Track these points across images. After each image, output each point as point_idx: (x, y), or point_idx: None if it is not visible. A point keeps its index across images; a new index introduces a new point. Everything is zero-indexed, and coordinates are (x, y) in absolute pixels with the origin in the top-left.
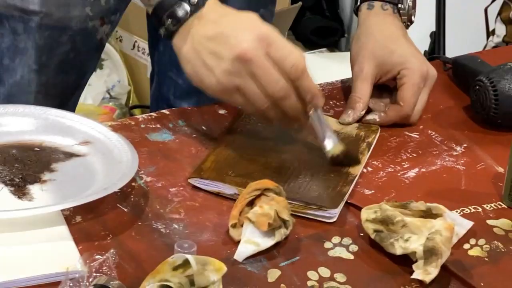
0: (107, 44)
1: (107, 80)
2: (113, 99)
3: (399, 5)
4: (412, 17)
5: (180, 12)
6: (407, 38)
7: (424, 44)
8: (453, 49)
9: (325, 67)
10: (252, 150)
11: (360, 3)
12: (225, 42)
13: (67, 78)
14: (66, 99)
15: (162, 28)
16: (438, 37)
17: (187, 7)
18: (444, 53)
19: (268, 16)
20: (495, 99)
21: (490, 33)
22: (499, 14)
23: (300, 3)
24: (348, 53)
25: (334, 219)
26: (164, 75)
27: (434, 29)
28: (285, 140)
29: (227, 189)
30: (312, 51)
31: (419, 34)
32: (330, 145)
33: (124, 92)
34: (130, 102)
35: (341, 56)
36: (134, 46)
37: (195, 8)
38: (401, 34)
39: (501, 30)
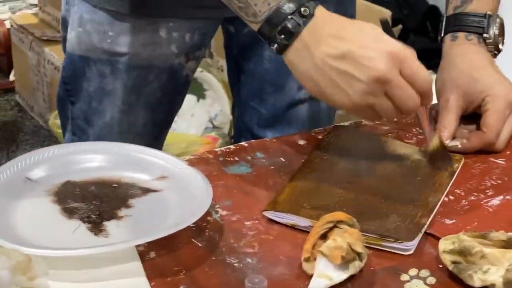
0: (208, 74)
1: (209, 110)
2: (216, 129)
3: (484, 35)
4: (500, 45)
5: (292, 26)
6: (493, 66)
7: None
8: None
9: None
10: (329, 181)
11: (444, 34)
12: (357, 62)
13: (156, 116)
14: (155, 137)
15: (273, 44)
16: None
17: (298, 19)
18: None
19: None
20: None
21: None
22: None
23: (400, 26)
24: None
25: (411, 252)
26: (246, 105)
27: None
28: (363, 171)
29: (302, 222)
30: None
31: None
32: (432, 137)
33: (227, 121)
34: (233, 131)
35: None
36: None
37: (307, 19)
38: (486, 63)
39: None
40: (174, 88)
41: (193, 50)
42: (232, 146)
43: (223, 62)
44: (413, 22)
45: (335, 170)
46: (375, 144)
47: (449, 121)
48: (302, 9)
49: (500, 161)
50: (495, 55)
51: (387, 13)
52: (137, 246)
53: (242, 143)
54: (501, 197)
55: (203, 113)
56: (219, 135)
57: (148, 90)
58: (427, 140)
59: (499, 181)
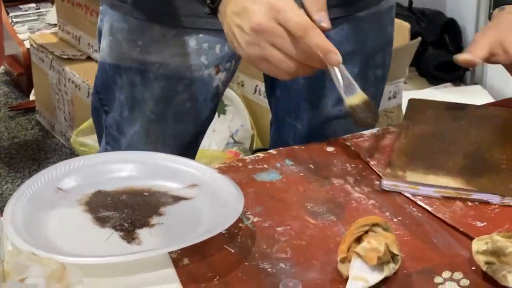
0: (229, 89)
1: (230, 125)
2: (237, 144)
3: None
4: None
5: None
6: None
7: None
8: None
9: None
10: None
11: (493, 9)
12: (245, 15)
13: (185, 127)
14: (185, 148)
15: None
16: None
17: None
18: None
19: (387, 59)
20: None
21: None
22: None
23: (419, 38)
24: (473, 86)
25: None
26: (283, 120)
27: None
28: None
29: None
30: (437, 86)
31: None
32: (347, 97)
33: (248, 136)
34: (254, 146)
35: (466, 90)
36: (255, 90)
37: None
38: None
39: None
40: (204, 99)
41: (224, 61)
42: (261, 154)
43: (243, 78)
44: (432, 35)
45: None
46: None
47: (476, 46)
48: None
49: None
50: None
51: (406, 26)
52: (170, 253)
53: (270, 150)
54: None
55: (224, 129)
56: (241, 150)
57: (177, 101)
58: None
59: None
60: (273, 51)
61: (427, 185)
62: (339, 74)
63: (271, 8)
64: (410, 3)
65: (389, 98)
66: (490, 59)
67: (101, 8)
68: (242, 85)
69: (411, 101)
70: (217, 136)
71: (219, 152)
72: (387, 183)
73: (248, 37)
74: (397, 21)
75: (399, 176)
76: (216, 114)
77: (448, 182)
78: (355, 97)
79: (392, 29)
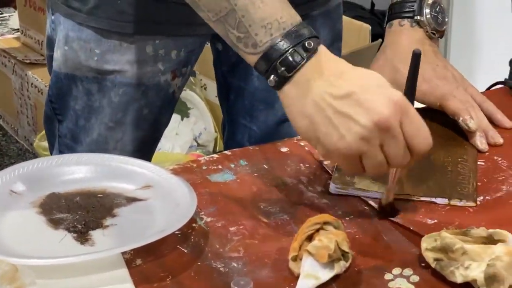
0: (192, 93)
1: (193, 128)
2: (201, 147)
3: (416, 17)
4: (439, 26)
5: (295, 58)
6: (423, 51)
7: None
8: None
9: None
10: None
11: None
12: (359, 104)
13: (142, 134)
14: (142, 154)
15: (272, 76)
16: None
17: (302, 52)
18: None
19: (336, 53)
20: None
21: None
22: None
23: (380, 40)
24: None
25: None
26: (237, 123)
27: None
28: None
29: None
30: None
31: (498, 62)
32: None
33: (211, 139)
34: (217, 148)
35: None
36: None
37: (310, 54)
38: (412, 48)
39: None
40: (161, 105)
41: (180, 67)
42: (215, 155)
43: (206, 81)
44: None
45: None
46: None
47: None
48: (306, 42)
49: (480, 162)
50: (433, 34)
51: (367, 28)
52: (123, 254)
53: (225, 151)
54: (481, 197)
55: (188, 132)
56: (204, 153)
57: (135, 107)
58: (386, 195)
59: (479, 183)
60: (379, 152)
61: (374, 192)
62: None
63: (398, 106)
64: (372, 5)
65: None
66: None
67: (52, 17)
68: (205, 88)
69: None
70: (180, 140)
71: (182, 155)
72: (334, 188)
73: (364, 131)
74: (358, 23)
75: (346, 181)
76: (180, 117)
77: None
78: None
79: (340, 25)
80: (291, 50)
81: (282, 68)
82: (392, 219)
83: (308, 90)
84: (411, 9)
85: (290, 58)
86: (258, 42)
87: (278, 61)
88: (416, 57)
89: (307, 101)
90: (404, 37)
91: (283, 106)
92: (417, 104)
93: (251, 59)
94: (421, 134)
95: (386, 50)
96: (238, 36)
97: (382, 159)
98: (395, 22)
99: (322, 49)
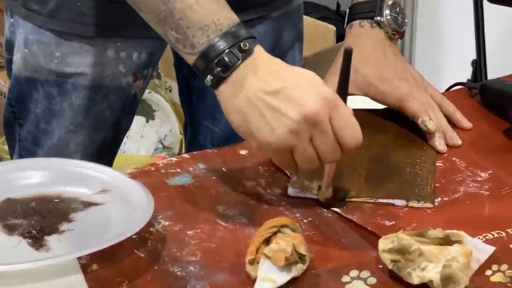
0: (157, 95)
1: (159, 130)
2: (166, 149)
3: (377, 18)
4: (399, 26)
5: (231, 59)
6: (378, 52)
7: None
8: (497, 76)
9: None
10: None
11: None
12: (289, 99)
13: (104, 136)
14: (104, 157)
15: (209, 76)
16: (479, 65)
17: (237, 53)
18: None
19: (298, 53)
20: None
21: None
22: None
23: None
24: None
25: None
26: (200, 124)
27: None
28: None
29: None
30: None
31: (462, 63)
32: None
33: (177, 141)
34: (183, 150)
35: None
36: None
37: (246, 55)
38: (371, 50)
39: None
40: (122, 107)
41: (141, 69)
42: (174, 158)
43: (171, 83)
44: None
45: None
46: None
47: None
48: (242, 43)
49: (439, 163)
50: (393, 35)
51: (332, 29)
52: (79, 259)
53: (183, 154)
54: (439, 198)
55: (153, 134)
56: (170, 155)
57: (96, 110)
58: (322, 192)
59: (437, 184)
60: (309, 146)
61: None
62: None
63: (328, 102)
64: (338, 6)
65: None
66: None
67: (11, 20)
68: (170, 90)
69: None
70: (145, 142)
71: (147, 157)
72: (293, 191)
73: (293, 124)
74: (323, 24)
75: (304, 185)
76: (145, 119)
77: (354, 190)
78: (327, 193)
79: (301, 26)
80: (227, 51)
81: (218, 69)
82: (350, 217)
83: (242, 87)
84: (371, 10)
85: (226, 59)
86: (195, 43)
87: (215, 62)
88: (347, 54)
89: (241, 97)
90: (365, 38)
91: (220, 103)
92: (378, 105)
93: (190, 59)
94: (350, 129)
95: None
96: (177, 38)
97: (312, 153)
98: (355, 23)
99: (259, 50)
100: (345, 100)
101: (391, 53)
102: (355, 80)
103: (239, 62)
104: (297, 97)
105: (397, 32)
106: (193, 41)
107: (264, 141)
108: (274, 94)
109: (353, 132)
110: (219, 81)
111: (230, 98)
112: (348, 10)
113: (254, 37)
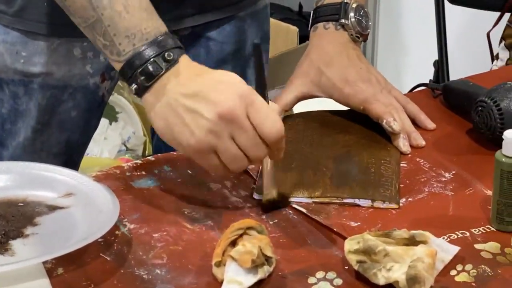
0: (120, 97)
1: (122, 132)
2: (130, 151)
3: (341, 21)
4: (363, 29)
5: (155, 69)
6: (342, 55)
7: (429, 73)
8: (459, 76)
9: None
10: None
11: (311, 26)
12: (205, 99)
13: (70, 136)
14: (70, 158)
15: (133, 84)
16: (441, 65)
17: (161, 63)
18: (448, 81)
19: (264, 54)
20: (500, 118)
21: (494, 57)
22: (502, 38)
23: (307, 41)
24: None
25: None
26: None
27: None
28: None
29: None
30: None
31: (424, 64)
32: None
33: (140, 143)
34: (147, 152)
35: None
36: None
37: (170, 64)
38: (336, 52)
39: (504, 54)
40: (89, 108)
41: (109, 70)
42: (139, 161)
43: None
44: None
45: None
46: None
47: (285, 98)
48: (166, 53)
49: (403, 164)
50: (357, 38)
51: (294, 30)
52: (44, 263)
53: (149, 157)
54: (404, 199)
55: (116, 136)
56: (133, 157)
57: (62, 110)
58: (263, 191)
59: (402, 185)
60: (231, 144)
61: (298, 197)
62: (270, 169)
63: (243, 98)
64: (300, 7)
65: None
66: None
67: None
68: None
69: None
70: (109, 144)
71: (111, 160)
72: (258, 196)
73: (208, 124)
74: (285, 25)
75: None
76: (108, 121)
77: (319, 191)
78: (270, 194)
79: (268, 26)
80: (151, 60)
81: (142, 78)
82: (316, 218)
83: (163, 94)
84: (336, 13)
85: (150, 68)
86: (121, 51)
87: (139, 71)
88: (257, 48)
89: (162, 103)
90: (329, 40)
91: (146, 112)
92: (342, 107)
93: (117, 66)
94: (269, 121)
95: (310, 53)
96: (104, 44)
97: (236, 151)
98: (320, 25)
99: (184, 59)
100: (264, 95)
101: (355, 56)
102: (320, 82)
103: (163, 72)
104: (212, 97)
105: (361, 35)
106: (119, 49)
107: (186, 144)
108: (192, 96)
109: (272, 124)
110: (143, 89)
111: (154, 105)
112: (312, 12)
113: (181, 47)
